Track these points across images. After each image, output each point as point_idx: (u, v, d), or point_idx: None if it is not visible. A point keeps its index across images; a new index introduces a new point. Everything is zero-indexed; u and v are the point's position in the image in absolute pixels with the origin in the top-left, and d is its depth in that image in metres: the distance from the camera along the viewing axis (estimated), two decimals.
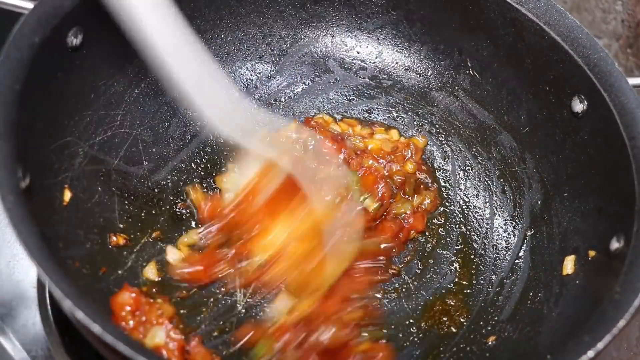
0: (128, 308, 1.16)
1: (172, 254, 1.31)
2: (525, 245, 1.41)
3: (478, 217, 1.48)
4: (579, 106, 1.32)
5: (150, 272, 1.28)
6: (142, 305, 1.17)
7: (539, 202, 1.42)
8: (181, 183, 1.42)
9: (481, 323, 1.33)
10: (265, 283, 1.23)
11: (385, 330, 1.29)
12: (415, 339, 1.30)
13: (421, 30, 1.55)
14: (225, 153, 1.47)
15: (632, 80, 1.29)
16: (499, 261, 1.42)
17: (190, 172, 1.45)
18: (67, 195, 1.20)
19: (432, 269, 1.39)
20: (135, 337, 1.14)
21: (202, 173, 1.46)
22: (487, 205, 1.49)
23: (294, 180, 1.19)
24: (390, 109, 1.60)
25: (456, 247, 1.43)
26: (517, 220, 1.45)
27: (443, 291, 1.37)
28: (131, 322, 1.15)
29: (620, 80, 1.25)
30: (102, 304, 1.16)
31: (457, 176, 1.53)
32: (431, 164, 1.53)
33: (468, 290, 1.38)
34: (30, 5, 1.16)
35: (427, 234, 1.44)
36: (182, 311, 1.24)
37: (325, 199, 1.17)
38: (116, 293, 1.18)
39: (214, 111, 1.16)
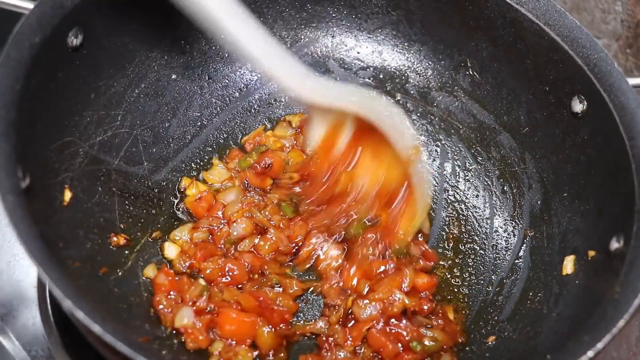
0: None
1: (170, 250, 1.32)
2: (525, 245, 1.41)
3: (478, 217, 1.48)
4: (578, 106, 1.32)
5: (151, 271, 1.28)
6: (177, 286, 1.24)
7: (539, 202, 1.42)
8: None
9: (481, 323, 1.33)
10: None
11: None
12: None
13: (421, 30, 1.55)
14: (224, 153, 1.49)
15: (632, 81, 1.30)
16: (499, 261, 1.42)
17: (190, 172, 1.45)
18: (68, 195, 1.20)
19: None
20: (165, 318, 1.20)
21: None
22: (487, 205, 1.49)
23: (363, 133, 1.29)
24: None
25: (456, 247, 1.44)
26: (517, 220, 1.45)
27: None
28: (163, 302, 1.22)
29: (620, 81, 1.25)
30: (102, 304, 1.16)
31: (457, 176, 1.53)
32: (431, 166, 1.54)
33: (468, 291, 1.38)
34: (31, 6, 1.16)
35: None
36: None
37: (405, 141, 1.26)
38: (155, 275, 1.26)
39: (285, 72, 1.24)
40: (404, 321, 1.25)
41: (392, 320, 1.24)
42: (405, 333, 1.23)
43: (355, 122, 1.28)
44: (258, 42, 1.22)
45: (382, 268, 1.31)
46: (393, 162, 1.28)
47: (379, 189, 1.31)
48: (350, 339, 1.23)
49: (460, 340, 1.28)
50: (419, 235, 1.42)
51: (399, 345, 1.22)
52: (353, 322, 1.26)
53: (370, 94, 1.28)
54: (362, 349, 1.23)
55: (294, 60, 1.26)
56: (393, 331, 1.24)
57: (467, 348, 1.29)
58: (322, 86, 1.28)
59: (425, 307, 1.28)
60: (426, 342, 1.23)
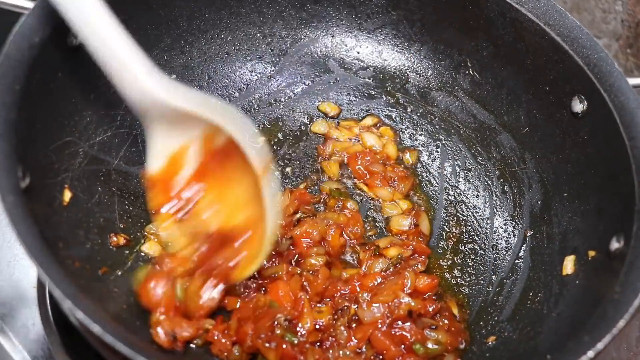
0: None
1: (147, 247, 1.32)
2: (525, 245, 1.41)
3: (478, 217, 1.48)
4: (578, 106, 1.32)
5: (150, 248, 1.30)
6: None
7: (539, 202, 1.42)
8: None
9: (481, 323, 1.33)
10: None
11: None
12: None
13: (421, 30, 1.55)
14: None
15: (632, 81, 1.30)
16: (499, 261, 1.42)
17: None
18: (67, 195, 1.20)
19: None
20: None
21: None
22: (487, 205, 1.49)
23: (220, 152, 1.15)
24: (390, 109, 1.60)
25: (456, 247, 1.44)
26: (517, 220, 1.45)
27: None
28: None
29: (620, 81, 1.25)
30: (102, 304, 1.16)
31: (457, 176, 1.53)
32: (431, 166, 1.54)
33: (468, 290, 1.38)
34: (31, 5, 1.16)
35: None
36: None
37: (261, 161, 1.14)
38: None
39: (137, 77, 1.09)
40: (409, 323, 1.24)
41: (398, 322, 1.24)
42: (409, 335, 1.23)
43: (201, 147, 1.14)
44: (104, 27, 1.06)
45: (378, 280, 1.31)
46: (242, 196, 1.17)
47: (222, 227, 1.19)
48: (355, 340, 1.23)
49: (463, 342, 1.28)
50: (419, 235, 1.42)
51: (402, 347, 1.22)
52: (356, 324, 1.26)
53: (223, 104, 1.15)
54: (364, 349, 1.23)
55: (144, 57, 1.11)
56: (397, 333, 1.23)
57: (467, 348, 1.29)
58: (175, 87, 1.14)
59: (431, 309, 1.28)
60: (429, 345, 1.22)
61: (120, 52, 1.06)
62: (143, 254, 1.31)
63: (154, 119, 1.10)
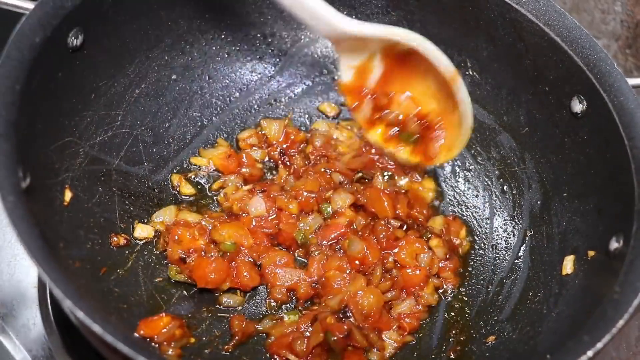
0: None
1: (140, 230, 1.33)
2: (524, 245, 1.41)
3: (478, 217, 1.48)
4: (578, 106, 1.32)
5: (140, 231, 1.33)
6: None
7: (539, 202, 1.42)
8: None
9: (481, 323, 1.33)
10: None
11: None
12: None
13: (421, 30, 1.54)
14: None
15: (632, 81, 1.30)
16: (498, 261, 1.42)
17: (190, 172, 1.46)
18: (68, 195, 1.20)
19: None
20: None
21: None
22: (487, 205, 1.49)
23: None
24: None
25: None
26: (516, 220, 1.45)
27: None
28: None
29: (619, 81, 1.25)
30: (102, 304, 1.17)
31: (457, 176, 1.53)
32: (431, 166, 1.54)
33: (468, 290, 1.38)
34: (31, 6, 1.16)
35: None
36: None
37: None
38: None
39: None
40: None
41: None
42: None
43: (381, 59, 1.30)
44: None
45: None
46: (425, 93, 1.31)
47: (420, 111, 1.33)
48: None
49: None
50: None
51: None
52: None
53: (400, 28, 1.29)
54: None
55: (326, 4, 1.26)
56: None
57: (467, 348, 1.29)
58: (353, 20, 1.29)
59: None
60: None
61: (309, 4, 1.25)
62: (138, 241, 1.32)
63: (342, 44, 1.28)
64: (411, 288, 1.34)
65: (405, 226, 1.42)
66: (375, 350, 1.26)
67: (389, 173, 1.49)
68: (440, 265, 1.38)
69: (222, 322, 1.28)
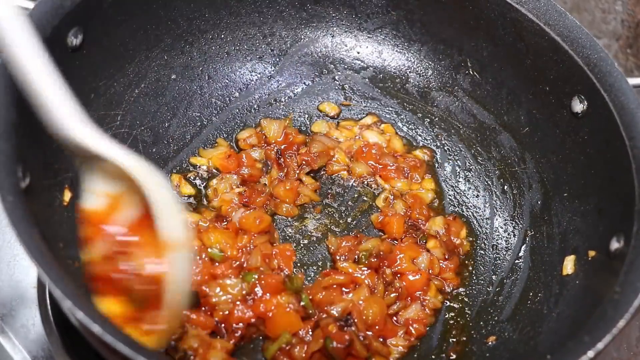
0: None
1: None
2: (525, 245, 1.41)
3: (478, 217, 1.48)
4: (578, 106, 1.32)
5: None
6: None
7: (539, 202, 1.42)
8: None
9: (481, 323, 1.33)
10: None
11: None
12: None
13: (421, 30, 1.55)
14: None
15: (632, 81, 1.30)
16: (499, 261, 1.42)
17: (190, 172, 1.45)
18: (68, 195, 1.20)
19: None
20: None
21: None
22: (487, 205, 1.49)
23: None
24: (390, 109, 1.60)
25: None
26: (517, 220, 1.45)
27: None
28: None
29: (620, 81, 1.25)
30: None
31: (457, 176, 1.53)
32: (432, 165, 1.54)
33: (468, 291, 1.38)
34: (31, 6, 1.16)
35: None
36: None
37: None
38: None
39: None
40: None
41: None
42: None
43: (142, 202, 1.02)
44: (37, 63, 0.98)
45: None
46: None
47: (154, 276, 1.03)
48: None
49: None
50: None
51: None
52: None
53: (153, 168, 1.01)
54: None
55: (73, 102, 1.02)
56: None
57: (467, 348, 1.29)
58: (104, 137, 1.04)
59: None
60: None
61: (49, 97, 0.98)
62: None
63: (92, 162, 1.05)
64: (415, 293, 1.33)
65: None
66: (379, 356, 1.25)
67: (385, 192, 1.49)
68: (440, 266, 1.37)
69: None
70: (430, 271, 1.35)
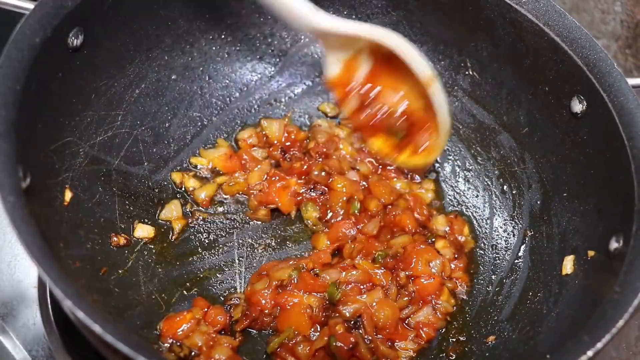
0: None
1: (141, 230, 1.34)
2: (524, 245, 1.41)
3: (478, 217, 1.48)
4: (578, 106, 1.32)
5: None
6: None
7: (539, 202, 1.42)
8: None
9: (481, 323, 1.33)
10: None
11: None
12: None
13: (421, 30, 1.55)
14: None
15: (631, 81, 1.30)
16: (498, 261, 1.42)
17: (190, 172, 1.45)
18: (68, 195, 1.20)
19: None
20: None
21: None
22: (487, 205, 1.49)
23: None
24: None
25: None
26: (516, 220, 1.45)
27: None
28: None
29: (619, 81, 1.25)
30: (102, 304, 1.17)
31: (457, 176, 1.53)
32: (431, 167, 1.54)
33: (468, 290, 1.38)
34: (31, 6, 1.16)
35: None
36: None
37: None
38: None
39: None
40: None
41: None
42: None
43: (370, 56, 1.31)
44: None
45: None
46: (412, 92, 1.32)
47: (406, 108, 1.35)
48: None
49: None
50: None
51: None
52: None
53: (384, 29, 1.30)
54: None
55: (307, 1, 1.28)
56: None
57: (467, 348, 1.29)
58: (336, 18, 1.31)
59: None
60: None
61: (288, 4, 1.27)
62: (138, 239, 1.32)
63: (328, 40, 1.30)
64: (427, 297, 1.33)
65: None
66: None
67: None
68: (451, 267, 1.38)
69: None
70: (443, 273, 1.35)
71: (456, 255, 1.40)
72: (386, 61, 1.30)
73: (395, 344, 1.27)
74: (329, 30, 1.27)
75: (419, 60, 1.28)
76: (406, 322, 1.30)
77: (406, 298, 1.31)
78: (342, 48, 1.31)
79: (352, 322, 1.26)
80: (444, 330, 1.32)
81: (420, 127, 1.33)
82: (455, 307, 1.35)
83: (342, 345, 1.20)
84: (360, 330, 1.25)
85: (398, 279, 1.33)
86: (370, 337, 1.24)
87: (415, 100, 1.32)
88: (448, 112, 1.30)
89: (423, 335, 1.29)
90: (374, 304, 1.28)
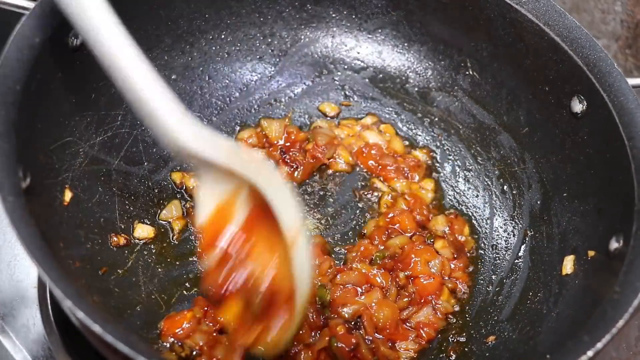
0: None
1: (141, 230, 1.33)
2: (524, 245, 1.41)
3: (478, 217, 1.48)
4: (578, 106, 1.32)
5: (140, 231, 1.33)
6: None
7: (539, 202, 1.42)
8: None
9: (481, 323, 1.33)
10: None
11: None
12: None
13: (421, 30, 1.55)
14: None
15: (631, 81, 1.30)
16: (498, 261, 1.42)
17: (190, 172, 1.45)
18: (68, 195, 1.20)
19: None
20: None
21: None
22: (487, 205, 1.49)
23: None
24: (389, 109, 1.60)
25: None
26: (516, 220, 1.45)
27: None
28: None
29: (619, 81, 1.25)
30: (102, 304, 1.17)
31: (457, 176, 1.53)
32: (431, 165, 1.54)
33: (468, 290, 1.38)
34: (31, 5, 1.16)
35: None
36: None
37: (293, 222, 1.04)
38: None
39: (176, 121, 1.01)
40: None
41: None
42: None
43: (250, 196, 1.06)
44: (141, 71, 1.01)
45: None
46: (284, 255, 1.06)
47: (272, 285, 1.07)
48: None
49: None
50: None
51: None
52: None
53: (259, 158, 1.08)
54: None
55: (180, 105, 1.02)
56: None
57: (466, 348, 1.29)
58: (208, 136, 1.03)
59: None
60: None
61: (149, 102, 1.00)
62: (138, 240, 1.32)
63: (197, 166, 1.06)
64: (427, 297, 1.33)
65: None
66: None
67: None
68: (451, 267, 1.38)
69: None
70: (442, 273, 1.36)
71: (455, 255, 1.39)
72: (266, 209, 1.04)
73: (396, 344, 1.27)
74: (193, 153, 0.99)
75: (288, 209, 1.02)
76: (407, 322, 1.30)
77: (406, 299, 1.31)
78: (218, 180, 1.04)
79: (352, 323, 1.26)
80: (443, 330, 1.32)
81: (283, 298, 1.05)
82: (456, 307, 1.35)
83: (343, 346, 1.20)
84: (361, 331, 1.25)
85: (397, 279, 1.33)
86: (371, 338, 1.24)
87: (286, 264, 1.05)
88: (309, 281, 1.05)
89: (424, 335, 1.29)
90: (373, 304, 1.28)
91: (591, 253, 1.23)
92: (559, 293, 1.26)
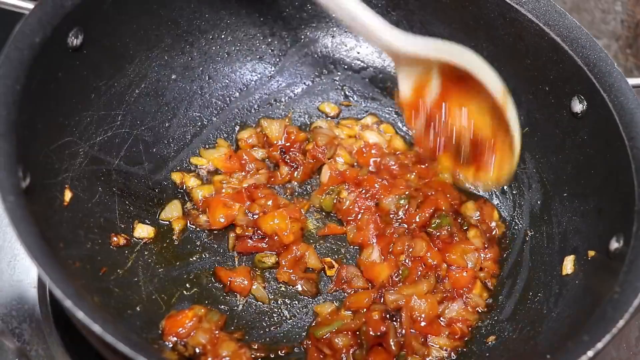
0: None
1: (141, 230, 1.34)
2: (525, 245, 1.41)
3: None
4: (578, 106, 1.32)
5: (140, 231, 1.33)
6: None
7: (539, 202, 1.42)
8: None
9: (481, 323, 1.33)
10: None
11: None
12: None
13: (421, 30, 1.55)
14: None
15: (632, 81, 1.30)
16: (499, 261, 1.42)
17: (190, 172, 1.45)
18: (68, 195, 1.20)
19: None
20: None
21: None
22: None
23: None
24: (389, 109, 1.60)
25: None
26: (516, 220, 1.45)
27: None
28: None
29: (619, 81, 1.25)
30: (102, 304, 1.17)
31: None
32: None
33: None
34: (31, 6, 1.17)
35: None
36: None
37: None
38: None
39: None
40: None
41: None
42: None
43: (439, 73, 1.29)
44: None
45: None
46: (479, 109, 1.29)
47: (473, 135, 1.31)
48: None
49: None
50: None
51: None
52: None
53: (456, 46, 1.27)
54: None
55: (380, 18, 1.29)
56: None
57: (466, 348, 1.29)
58: (410, 37, 1.29)
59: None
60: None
61: (361, 19, 1.27)
62: (138, 239, 1.32)
63: (400, 59, 1.28)
64: (459, 290, 1.33)
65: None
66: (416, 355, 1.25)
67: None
68: (481, 258, 1.38)
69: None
70: (475, 267, 1.36)
71: (486, 245, 1.39)
72: (456, 79, 1.27)
73: (428, 340, 1.27)
74: (407, 53, 1.25)
75: (494, 79, 1.24)
76: (441, 318, 1.30)
77: (439, 294, 1.31)
78: (413, 67, 1.28)
79: (390, 315, 1.25)
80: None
81: (485, 145, 1.29)
82: (489, 300, 1.35)
83: (370, 334, 1.21)
84: (395, 323, 1.25)
85: (439, 270, 1.33)
86: (404, 331, 1.24)
87: (483, 120, 1.28)
88: (519, 135, 1.24)
89: (457, 330, 1.29)
90: (415, 297, 1.28)
91: (591, 253, 1.23)
92: (559, 293, 1.27)
